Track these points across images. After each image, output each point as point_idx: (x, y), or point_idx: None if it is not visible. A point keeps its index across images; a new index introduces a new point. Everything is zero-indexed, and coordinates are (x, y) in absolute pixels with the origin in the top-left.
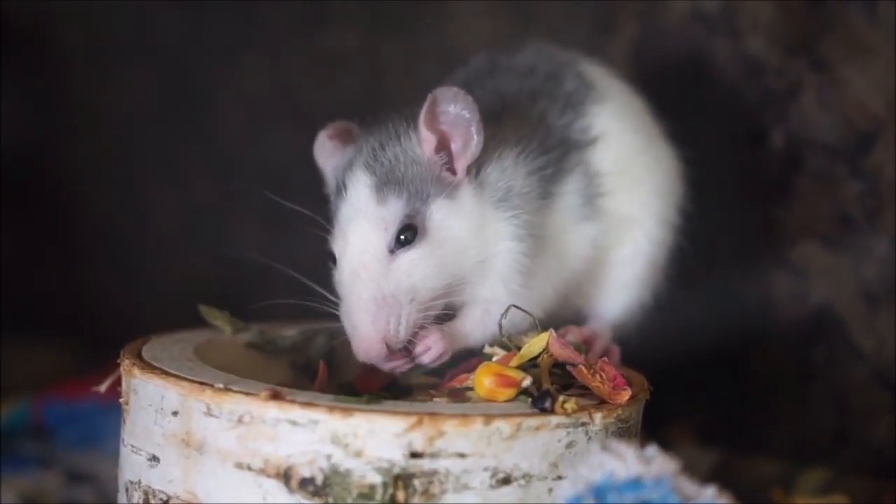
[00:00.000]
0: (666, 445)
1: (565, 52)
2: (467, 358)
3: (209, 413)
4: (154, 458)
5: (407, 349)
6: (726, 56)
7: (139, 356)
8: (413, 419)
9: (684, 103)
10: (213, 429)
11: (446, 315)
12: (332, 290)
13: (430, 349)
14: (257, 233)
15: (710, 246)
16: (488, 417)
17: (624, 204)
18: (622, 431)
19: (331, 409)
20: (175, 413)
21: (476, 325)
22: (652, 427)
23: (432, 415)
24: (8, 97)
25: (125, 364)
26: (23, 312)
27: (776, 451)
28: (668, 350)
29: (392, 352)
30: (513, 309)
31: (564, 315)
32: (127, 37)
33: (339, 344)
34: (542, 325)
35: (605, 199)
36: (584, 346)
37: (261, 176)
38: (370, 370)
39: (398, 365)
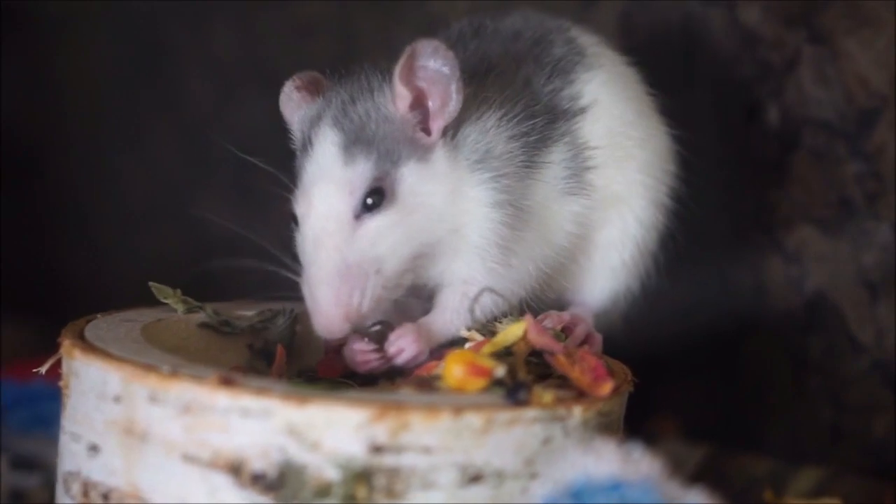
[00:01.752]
0: (650, 440)
1: (555, 19)
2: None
3: (154, 399)
4: (94, 448)
5: (379, 346)
6: (720, 26)
7: (81, 336)
8: (375, 410)
9: (674, 77)
10: (157, 417)
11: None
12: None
13: (404, 351)
14: (228, 203)
15: (700, 229)
16: (457, 409)
17: (612, 181)
18: (603, 426)
19: (285, 397)
20: (117, 399)
21: (455, 313)
22: (636, 421)
23: (397, 405)
24: None
25: (65, 344)
26: None
27: (768, 448)
28: (655, 338)
29: (354, 328)
30: (490, 291)
31: (545, 300)
32: (93, 2)
33: (301, 326)
34: (524, 308)
35: (592, 174)
36: (563, 334)
37: (231, 143)
38: (334, 354)
39: (369, 362)
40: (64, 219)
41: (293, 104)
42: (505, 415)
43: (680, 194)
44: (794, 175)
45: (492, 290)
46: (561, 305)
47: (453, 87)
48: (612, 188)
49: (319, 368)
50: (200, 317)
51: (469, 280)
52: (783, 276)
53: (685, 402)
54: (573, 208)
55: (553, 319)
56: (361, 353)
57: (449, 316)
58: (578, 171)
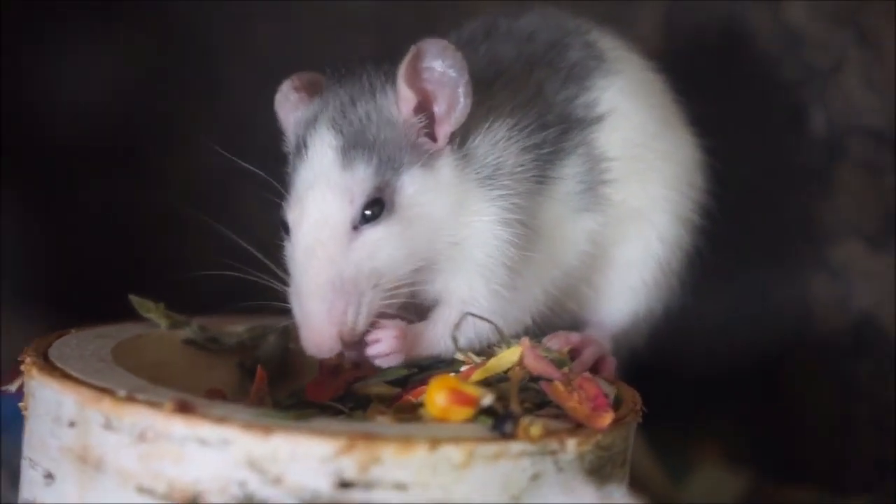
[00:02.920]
0: (692, 466)
1: (575, 19)
2: (439, 366)
3: (108, 426)
4: (50, 476)
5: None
6: (763, 27)
7: (45, 354)
8: (343, 441)
9: (716, 80)
10: (112, 444)
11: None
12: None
13: (380, 343)
14: (267, 204)
15: (740, 243)
16: (434, 441)
17: (632, 195)
18: (603, 461)
19: (246, 426)
20: (72, 424)
21: (446, 329)
22: (678, 446)
23: (367, 436)
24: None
25: (26, 363)
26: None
27: (812, 476)
28: (696, 360)
29: (347, 346)
30: (502, 314)
31: (555, 323)
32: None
33: (294, 343)
34: (529, 333)
35: (609, 188)
36: (567, 359)
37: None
38: (327, 375)
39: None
40: (104, 220)
41: (289, 105)
42: (488, 448)
43: (716, 206)
44: (839, 186)
45: (477, 316)
46: (576, 326)
47: (461, 91)
48: (631, 203)
49: (308, 391)
50: (185, 332)
51: (469, 301)
52: (827, 294)
53: (727, 427)
54: (587, 225)
55: (560, 341)
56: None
57: (440, 330)
58: (594, 185)
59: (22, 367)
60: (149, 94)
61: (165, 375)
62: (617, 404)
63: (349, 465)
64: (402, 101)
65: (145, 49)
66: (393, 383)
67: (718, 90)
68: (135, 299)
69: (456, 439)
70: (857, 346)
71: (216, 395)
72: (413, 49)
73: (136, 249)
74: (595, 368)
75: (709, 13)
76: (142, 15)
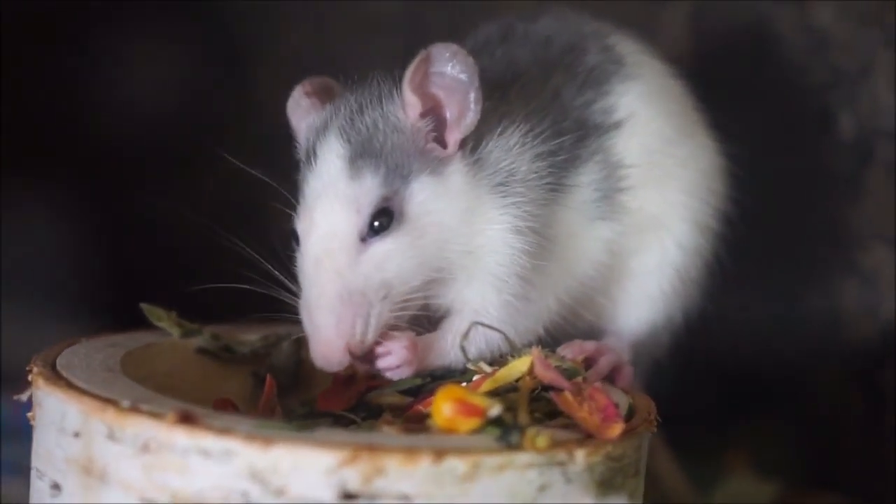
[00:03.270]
0: (721, 474)
1: (593, 22)
2: (452, 376)
3: (111, 437)
4: (56, 486)
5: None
6: (790, 28)
7: (53, 363)
8: (347, 453)
9: (743, 83)
10: (115, 455)
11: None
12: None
13: (390, 355)
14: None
15: (768, 249)
16: (439, 453)
17: (650, 202)
18: (613, 472)
19: (248, 437)
20: (76, 434)
21: (458, 340)
22: (706, 454)
23: (370, 448)
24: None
25: (33, 372)
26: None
27: (842, 485)
28: (725, 368)
29: (356, 358)
30: (513, 324)
31: (570, 332)
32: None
33: (307, 352)
34: (542, 343)
35: (626, 196)
36: (582, 368)
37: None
38: (340, 385)
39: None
40: (144, 225)
41: (301, 111)
42: (494, 459)
43: (743, 212)
44: (868, 190)
45: (487, 326)
46: (595, 335)
47: (472, 97)
48: (649, 210)
49: (320, 401)
50: (198, 341)
51: (481, 311)
52: (857, 300)
53: (756, 435)
54: (603, 234)
55: (574, 349)
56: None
57: (451, 341)
58: (610, 192)
59: (29, 377)
60: (187, 97)
61: (177, 385)
62: (630, 414)
63: (352, 477)
64: (407, 106)
65: (184, 52)
66: (406, 393)
67: (747, 94)
68: (146, 307)
69: (461, 450)
70: (885, 354)
71: (226, 405)
72: (423, 53)
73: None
74: (612, 378)
75: (735, 15)
76: (181, 20)
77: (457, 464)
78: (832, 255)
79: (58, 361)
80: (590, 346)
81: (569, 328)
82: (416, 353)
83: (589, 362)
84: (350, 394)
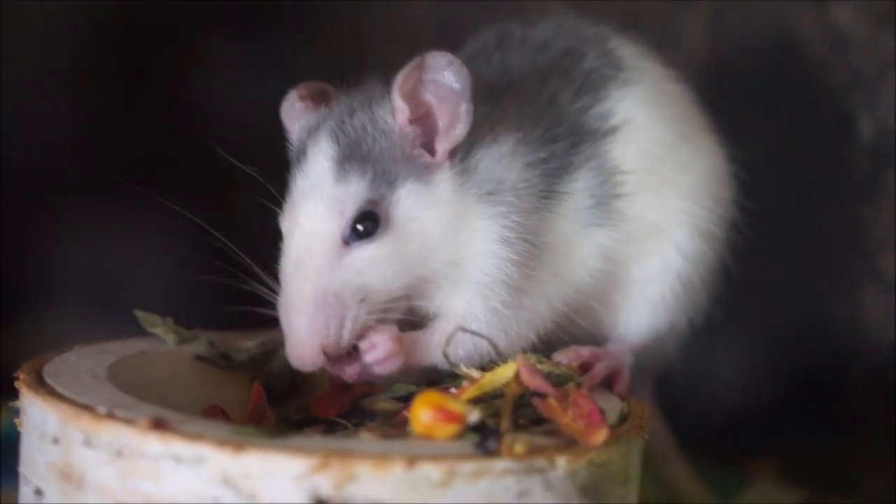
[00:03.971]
0: (746, 481)
1: (594, 27)
2: (446, 382)
3: (87, 443)
4: (39, 492)
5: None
6: (810, 29)
7: (39, 371)
8: (318, 459)
9: (763, 84)
10: (92, 461)
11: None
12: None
13: (377, 349)
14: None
15: (788, 253)
16: (412, 459)
17: (649, 209)
18: (598, 479)
19: (220, 443)
20: (55, 441)
21: (443, 339)
22: (732, 461)
23: (341, 454)
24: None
25: (20, 379)
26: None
27: (867, 492)
28: (746, 375)
29: (332, 359)
30: (503, 330)
31: (575, 338)
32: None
33: None
34: (535, 349)
35: (623, 202)
36: (575, 375)
37: None
38: (336, 390)
39: (342, 368)
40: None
41: (295, 114)
42: (469, 466)
43: (761, 216)
44: (889, 193)
45: (471, 332)
46: (596, 342)
47: (463, 108)
48: (648, 217)
49: (314, 406)
50: (194, 348)
51: (467, 317)
52: (878, 306)
53: (783, 442)
54: (599, 241)
55: (570, 355)
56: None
57: (437, 339)
58: (606, 199)
59: (16, 384)
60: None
61: (173, 393)
62: (623, 420)
63: (324, 483)
64: (396, 111)
65: (223, 55)
66: (400, 399)
67: (765, 96)
68: (140, 314)
69: (435, 457)
70: None
71: (215, 412)
72: (417, 60)
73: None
74: (609, 383)
75: (755, 17)
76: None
77: (431, 470)
78: (854, 260)
79: (45, 369)
80: (585, 351)
81: (567, 336)
82: (402, 345)
83: (586, 368)
84: (343, 399)
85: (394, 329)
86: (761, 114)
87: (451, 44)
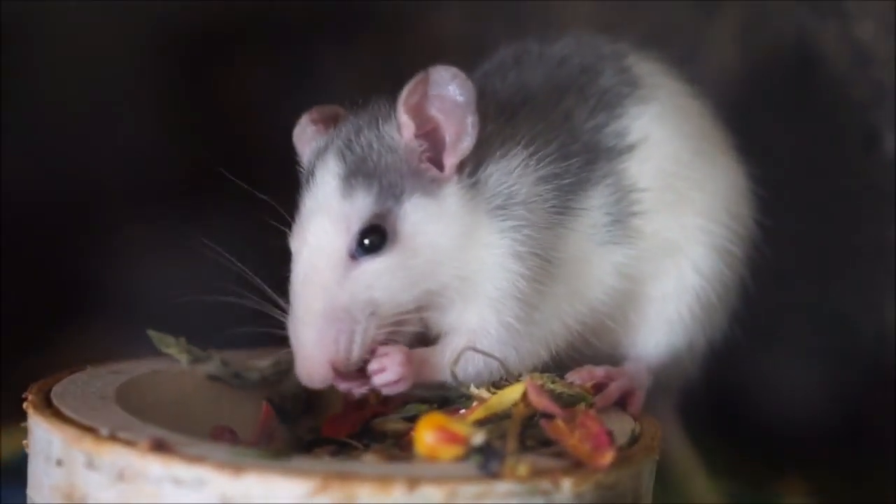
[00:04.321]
0: (775, 501)
1: (612, 44)
2: (458, 402)
3: (90, 465)
4: None
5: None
6: (834, 43)
7: (48, 391)
8: (317, 481)
9: (788, 99)
10: (94, 484)
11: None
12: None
13: (385, 371)
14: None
15: (815, 269)
16: (413, 481)
17: (666, 227)
18: (607, 500)
19: (220, 466)
20: (59, 463)
21: (462, 369)
22: (760, 480)
23: (341, 476)
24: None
25: (28, 400)
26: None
27: None
28: (774, 392)
29: (341, 375)
30: (514, 347)
31: (590, 358)
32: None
33: None
34: (547, 369)
35: (640, 220)
36: (588, 395)
37: None
38: (349, 410)
39: (352, 386)
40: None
41: (306, 137)
42: (471, 488)
43: (784, 233)
44: None
45: (479, 352)
46: (613, 362)
47: (469, 121)
48: (665, 235)
49: (325, 427)
50: (208, 368)
51: (479, 332)
52: None
53: (810, 460)
54: (615, 259)
55: (583, 375)
56: (341, 379)
57: (448, 357)
58: (622, 216)
59: (24, 405)
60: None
61: (184, 413)
62: (634, 441)
63: None
64: (402, 126)
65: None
66: (411, 419)
67: (791, 109)
68: (153, 334)
69: (437, 479)
70: None
71: (223, 432)
72: (421, 74)
73: None
74: (624, 403)
75: (780, 31)
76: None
77: (432, 492)
78: (880, 276)
79: (54, 389)
80: (599, 371)
81: (582, 357)
82: (412, 367)
83: (600, 388)
84: (355, 420)
85: (404, 349)
86: (786, 128)
87: (484, 60)
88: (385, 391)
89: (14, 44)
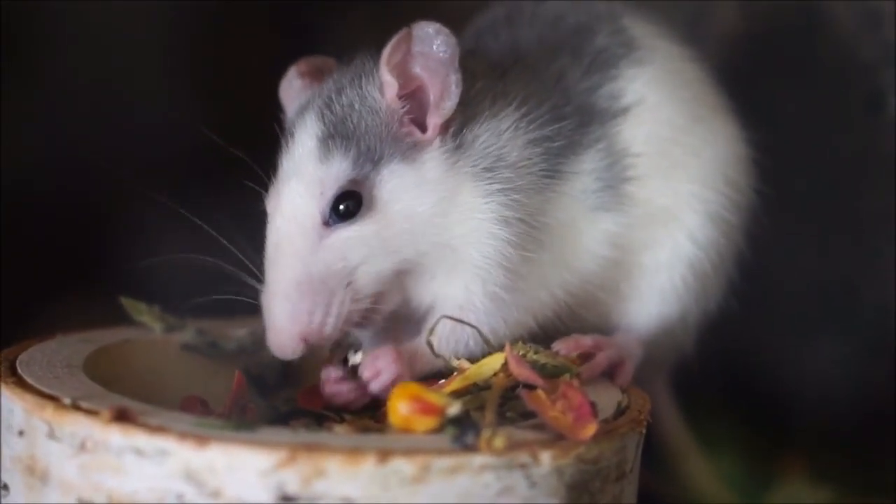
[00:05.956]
0: (775, 479)
1: (607, 3)
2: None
3: (51, 435)
4: (5, 487)
5: (354, 372)
6: (842, 4)
7: (13, 360)
8: (284, 453)
9: (793, 61)
10: (56, 454)
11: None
12: None
13: (381, 375)
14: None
15: (816, 236)
16: (384, 454)
17: (660, 194)
18: (587, 475)
19: (183, 437)
20: (21, 433)
21: (445, 341)
22: (761, 457)
23: (309, 448)
24: None
25: None
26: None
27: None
28: (774, 366)
29: (311, 349)
30: (502, 317)
31: (580, 327)
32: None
33: None
34: (532, 339)
35: (632, 186)
36: (573, 365)
37: None
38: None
39: (342, 393)
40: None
41: (293, 92)
42: (445, 461)
43: (788, 197)
44: None
45: (454, 319)
46: (604, 334)
47: (452, 79)
48: (658, 202)
49: (301, 398)
50: (182, 336)
51: (466, 306)
52: None
53: (812, 439)
54: (606, 226)
55: (570, 345)
56: (331, 382)
57: (435, 343)
58: (614, 182)
59: None
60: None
61: (156, 383)
62: (620, 413)
63: (291, 479)
64: (384, 86)
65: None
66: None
67: (796, 73)
68: (126, 301)
69: (409, 451)
70: None
71: (193, 402)
72: (403, 31)
73: None
74: (612, 374)
75: None
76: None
77: (403, 465)
78: (883, 244)
79: (20, 357)
80: (587, 340)
81: (570, 330)
82: (404, 363)
83: (588, 358)
84: None
85: (392, 348)
86: (791, 92)
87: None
88: (383, 395)
89: (24, 16)
